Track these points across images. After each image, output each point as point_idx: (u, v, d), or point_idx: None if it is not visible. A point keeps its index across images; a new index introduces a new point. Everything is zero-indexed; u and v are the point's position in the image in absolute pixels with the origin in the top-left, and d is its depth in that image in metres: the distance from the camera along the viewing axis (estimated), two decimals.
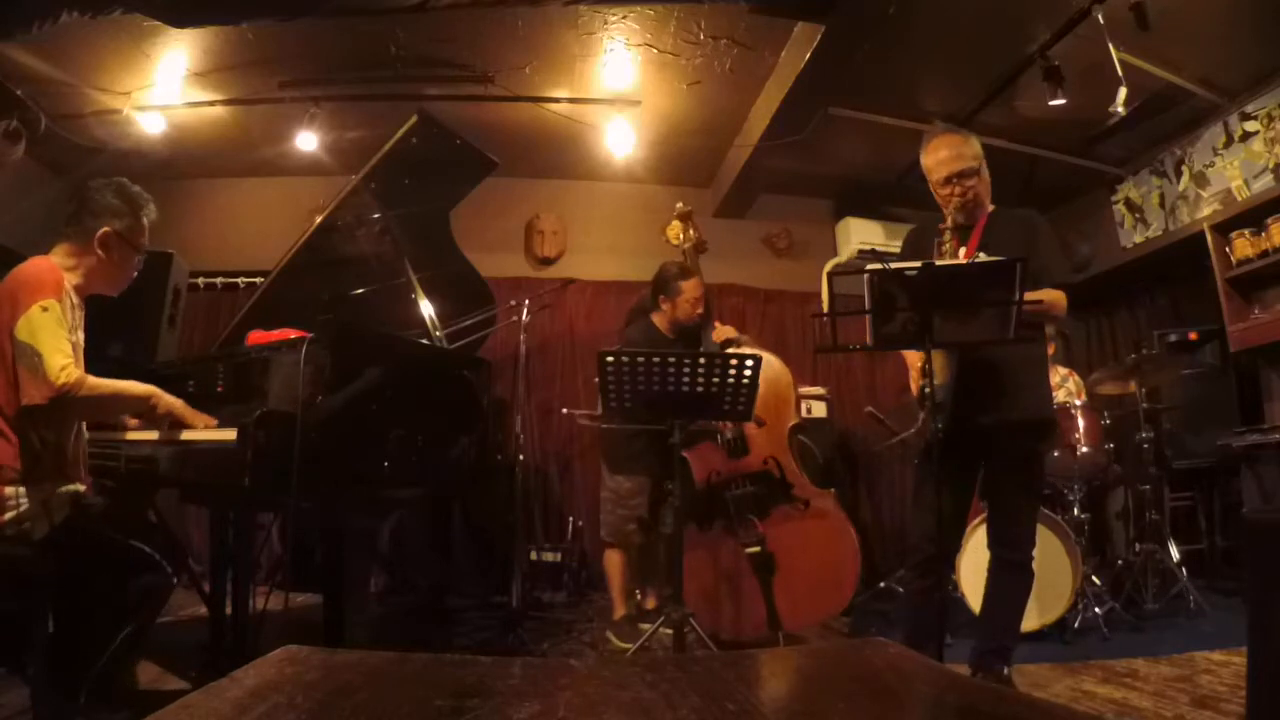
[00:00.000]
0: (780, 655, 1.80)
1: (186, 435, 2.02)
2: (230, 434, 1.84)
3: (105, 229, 1.89)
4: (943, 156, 2.19)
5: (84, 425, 1.96)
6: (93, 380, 1.79)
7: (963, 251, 2.15)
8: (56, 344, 1.74)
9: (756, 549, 2.76)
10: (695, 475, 2.89)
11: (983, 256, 2.03)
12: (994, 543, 2.23)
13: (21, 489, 1.72)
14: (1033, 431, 2.20)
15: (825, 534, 2.83)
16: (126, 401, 1.92)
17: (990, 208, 2.26)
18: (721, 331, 3.12)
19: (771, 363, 2.97)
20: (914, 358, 2.21)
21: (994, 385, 2.12)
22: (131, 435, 2.15)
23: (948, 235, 2.10)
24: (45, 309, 1.75)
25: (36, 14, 2.82)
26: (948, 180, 2.17)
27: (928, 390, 1.99)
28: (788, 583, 2.77)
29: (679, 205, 3.17)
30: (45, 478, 1.78)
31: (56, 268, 1.85)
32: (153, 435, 2.07)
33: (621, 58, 3.84)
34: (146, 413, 1.99)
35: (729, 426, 2.88)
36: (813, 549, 2.81)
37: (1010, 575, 2.19)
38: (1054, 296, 2.08)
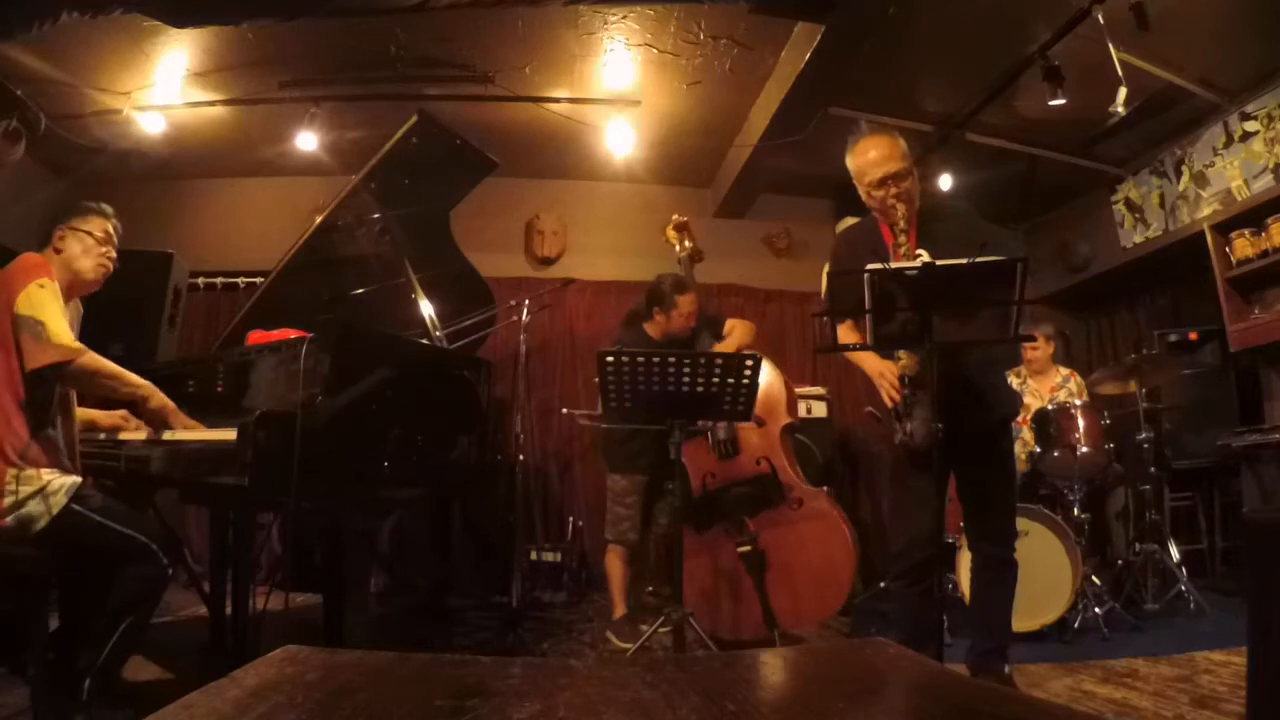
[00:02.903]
0: (780, 655, 1.80)
1: (186, 436, 2.03)
2: (230, 434, 1.85)
3: (58, 227, 2.05)
4: (873, 158, 2.13)
5: (75, 419, 1.99)
6: (94, 354, 1.90)
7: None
8: (58, 315, 1.86)
9: (748, 548, 2.77)
10: (691, 480, 2.90)
11: (923, 254, 2.01)
12: (985, 540, 2.23)
13: (19, 474, 1.75)
14: (1008, 429, 2.28)
15: (820, 533, 2.83)
16: (122, 383, 1.99)
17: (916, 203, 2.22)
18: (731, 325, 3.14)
19: (767, 363, 2.98)
20: (874, 366, 2.14)
21: (975, 387, 2.12)
22: (127, 435, 2.16)
23: (903, 239, 2.07)
24: (42, 285, 1.87)
25: (36, 14, 2.82)
26: (882, 182, 2.11)
27: (909, 397, 1.99)
28: (783, 582, 2.77)
29: (675, 216, 3.19)
30: (41, 466, 1.80)
31: (45, 259, 1.98)
32: (153, 435, 2.07)
33: (621, 58, 3.84)
34: (139, 404, 2.04)
35: (722, 427, 2.88)
36: (808, 548, 2.80)
37: (1004, 572, 2.20)
38: None
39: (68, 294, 2.03)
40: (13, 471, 1.75)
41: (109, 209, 2.16)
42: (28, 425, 1.81)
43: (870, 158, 2.14)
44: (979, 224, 2.23)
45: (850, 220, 4.98)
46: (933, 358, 1.91)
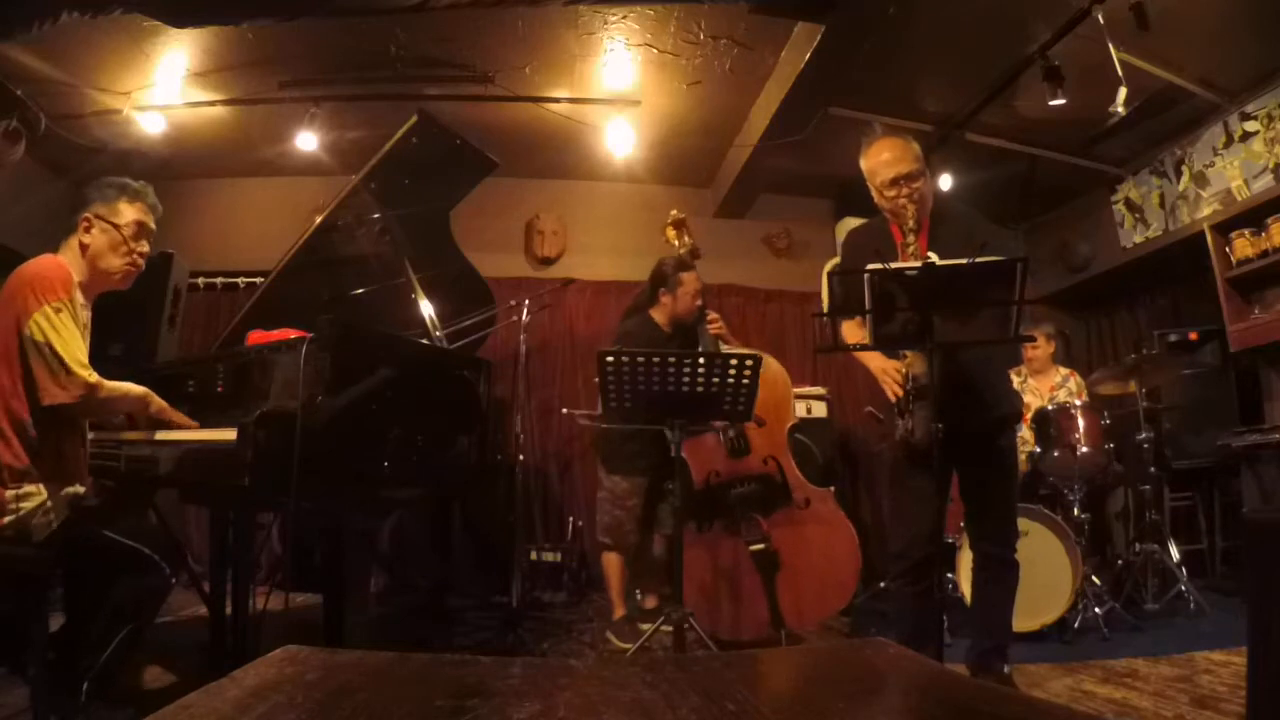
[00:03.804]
0: (780, 655, 1.80)
1: (187, 435, 2.03)
2: (230, 434, 1.85)
3: (85, 213, 1.90)
4: (886, 159, 2.16)
5: (87, 426, 1.96)
6: (107, 383, 1.82)
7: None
8: (75, 345, 1.76)
9: (761, 546, 2.76)
10: (694, 476, 2.89)
11: (933, 256, 2.01)
12: (985, 540, 2.23)
13: (22, 492, 1.73)
14: (1010, 427, 2.27)
15: (825, 533, 2.83)
16: (130, 401, 1.96)
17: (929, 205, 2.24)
18: (715, 323, 3.12)
19: (769, 364, 2.98)
20: (877, 363, 2.15)
21: (975, 386, 2.13)
22: (129, 435, 2.16)
23: (912, 239, 2.09)
24: (58, 309, 1.75)
25: (36, 14, 2.82)
26: (894, 182, 2.14)
27: (911, 393, 1.99)
28: (790, 581, 2.77)
29: (673, 213, 3.19)
30: (45, 480, 1.78)
31: (64, 265, 1.85)
32: (153, 435, 2.07)
33: (621, 58, 3.84)
34: (139, 411, 2.02)
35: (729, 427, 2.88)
36: (814, 548, 2.81)
37: (1005, 572, 2.21)
38: None
39: (88, 293, 1.92)
40: (12, 492, 1.72)
41: (143, 187, 1.97)
42: (30, 443, 1.76)
43: (883, 159, 2.17)
44: (982, 224, 2.24)
45: (852, 220, 5.03)
46: (932, 358, 1.92)
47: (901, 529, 2.23)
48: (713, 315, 3.16)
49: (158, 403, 2.00)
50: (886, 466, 2.36)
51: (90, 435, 2.13)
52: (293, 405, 1.88)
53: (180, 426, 2.04)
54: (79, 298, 1.86)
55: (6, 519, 1.70)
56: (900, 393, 2.07)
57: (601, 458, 3.32)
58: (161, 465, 2.05)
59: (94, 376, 1.77)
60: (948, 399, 1.97)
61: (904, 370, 2.08)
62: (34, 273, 1.79)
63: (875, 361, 2.17)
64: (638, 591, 3.41)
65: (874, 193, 2.22)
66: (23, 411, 1.76)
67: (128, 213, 1.94)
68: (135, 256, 1.96)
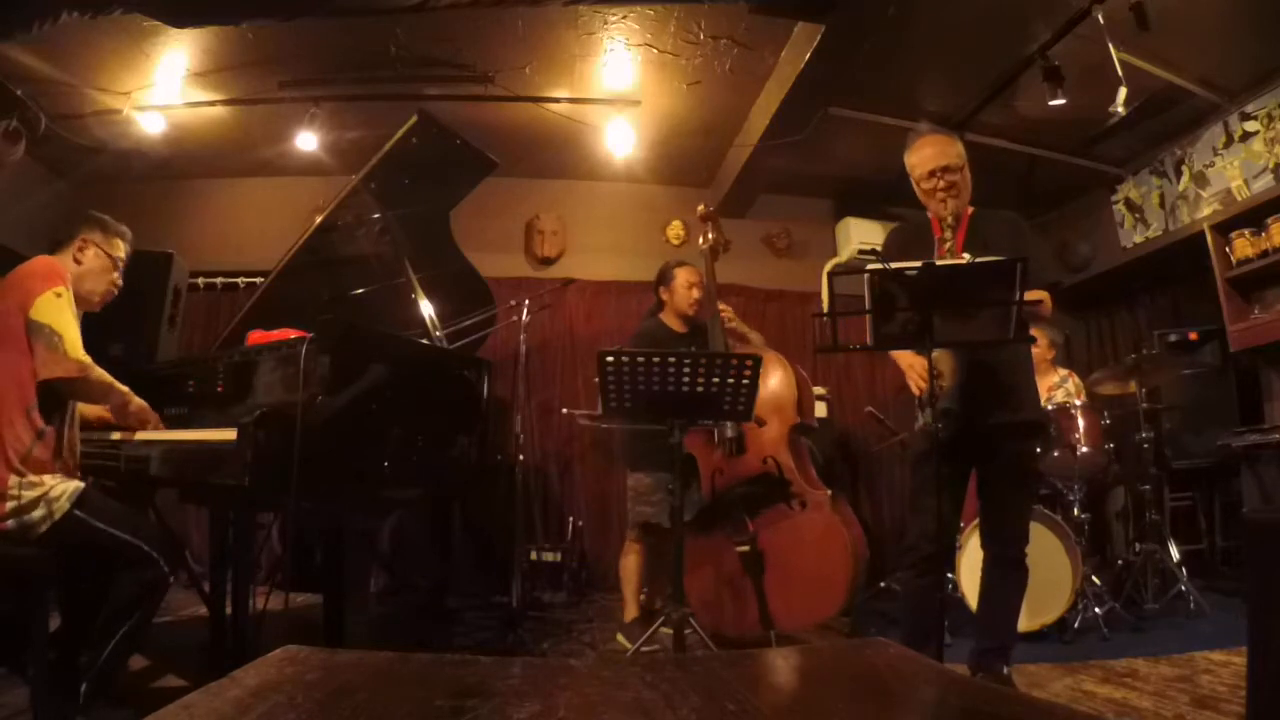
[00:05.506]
0: (780, 655, 1.80)
1: (187, 435, 2.03)
2: (230, 434, 1.85)
3: (83, 235, 2.05)
4: (927, 153, 2.22)
5: (78, 421, 1.99)
6: (99, 368, 1.93)
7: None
8: (74, 327, 1.87)
9: (746, 548, 2.77)
10: (702, 472, 2.90)
11: (967, 257, 2.03)
12: (992, 541, 2.24)
13: (26, 480, 1.75)
14: (1031, 432, 2.27)
15: (817, 536, 2.80)
16: (117, 393, 2.03)
17: (970, 209, 2.27)
18: (725, 311, 3.12)
19: (778, 363, 2.99)
20: (906, 359, 2.20)
21: (996, 387, 2.14)
22: (127, 435, 2.16)
23: (948, 235, 2.11)
24: (59, 295, 1.87)
25: (36, 14, 2.82)
26: (932, 174, 2.19)
27: (935, 389, 2.00)
28: (779, 582, 2.76)
29: (700, 207, 3.21)
30: (45, 470, 1.80)
31: (60, 263, 1.97)
32: (154, 436, 2.07)
33: (621, 58, 3.84)
34: (119, 409, 2.08)
35: (729, 425, 2.88)
36: (805, 550, 2.78)
37: (1009, 573, 2.21)
38: (1043, 296, 2.12)
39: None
40: (15, 477, 1.74)
41: (129, 233, 2.19)
42: (32, 429, 1.81)
43: (925, 153, 2.22)
44: (1025, 237, 2.24)
45: (852, 220, 5.04)
46: (930, 357, 1.93)
47: (915, 521, 2.25)
48: (724, 306, 3.15)
49: (137, 402, 2.06)
50: (911, 459, 2.38)
51: (90, 435, 2.15)
52: (293, 405, 1.89)
53: (150, 426, 2.10)
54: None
55: (9, 504, 1.72)
56: (924, 387, 2.09)
57: (622, 455, 3.32)
58: (162, 465, 2.05)
59: (87, 358, 1.88)
60: (967, 397, 2.00)
61: (929, 366, 2.09)
62: (34, 267, 1.92)
63: (905, 357, 2.21)
64: (641, 595, 3.40)
65: (915, 187, 2.27)
66: (27, 398, 1.81)
67: (121, 248, 2.13)
68: (116, 284, 2.14)
